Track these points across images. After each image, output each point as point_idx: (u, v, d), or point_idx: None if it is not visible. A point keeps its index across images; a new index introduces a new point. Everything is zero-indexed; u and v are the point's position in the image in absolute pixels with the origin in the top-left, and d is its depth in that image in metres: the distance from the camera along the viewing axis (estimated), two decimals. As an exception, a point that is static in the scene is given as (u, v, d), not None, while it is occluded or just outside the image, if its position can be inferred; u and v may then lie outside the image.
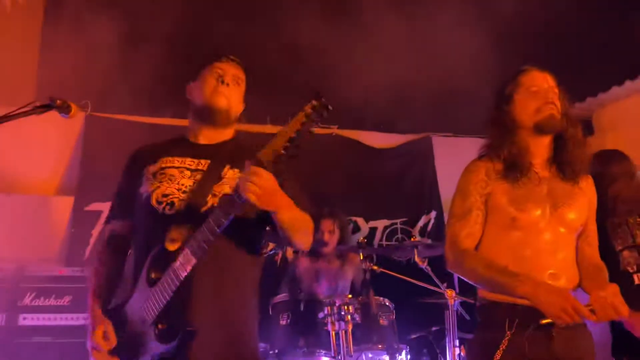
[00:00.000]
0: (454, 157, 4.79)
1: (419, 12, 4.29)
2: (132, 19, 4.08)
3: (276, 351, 2.83)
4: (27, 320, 3.16)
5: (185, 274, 1.50)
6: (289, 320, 2.84)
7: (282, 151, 1.40)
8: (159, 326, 1.53)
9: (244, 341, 1.66)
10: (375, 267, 3.01)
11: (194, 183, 1.68)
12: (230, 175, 1.70)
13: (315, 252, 3.85)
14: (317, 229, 3.79)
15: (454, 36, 4.46)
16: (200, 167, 1.72)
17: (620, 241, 2.75)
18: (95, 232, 4.05)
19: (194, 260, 1.49)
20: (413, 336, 3.41)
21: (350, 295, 2.81)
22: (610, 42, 4.01)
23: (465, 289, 3.07)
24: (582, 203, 1.88)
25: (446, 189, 5.05)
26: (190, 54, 3.87)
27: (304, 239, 1.72)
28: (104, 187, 3.40)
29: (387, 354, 2.87)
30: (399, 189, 4.99)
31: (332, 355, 2.72)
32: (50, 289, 3.28)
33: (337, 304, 2.75)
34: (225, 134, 1.83)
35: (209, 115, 1.76)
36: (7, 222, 3.65)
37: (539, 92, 1.89)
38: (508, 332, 1.72)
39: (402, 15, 4.33)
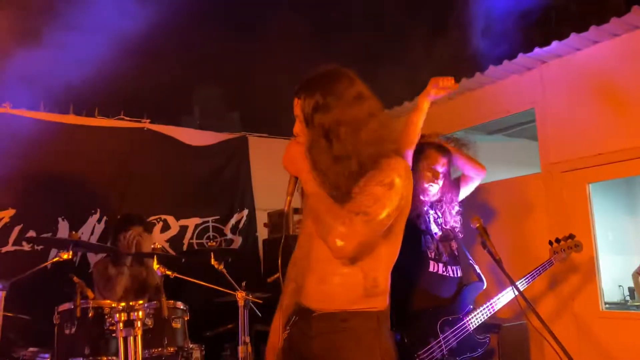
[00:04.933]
0: (268, 157, 5.01)
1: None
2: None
3: (58, 361, 2.75)
4: None
5: None
6: (74, 329, 2.77)
7: None
8: None
9: None
10: (169, 273, 3.05)
11: None
12: None
13: (116, 258, 3.79)
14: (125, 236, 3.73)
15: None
16: None
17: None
18: None
19: None
20: (209, 334, 3.55)
21: (141, 301, 2.82)
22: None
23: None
24: None
25: (259, 188, 5.27)
26: None
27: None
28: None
29: (179, 354, 2.96)
30: (212, 187, 5.05)
31: (120, 361, 2.72)
32: None
33: (126, 311, 2.75)
34: None
35: None
36: None
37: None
38: (285, 332, 1.82)
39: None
